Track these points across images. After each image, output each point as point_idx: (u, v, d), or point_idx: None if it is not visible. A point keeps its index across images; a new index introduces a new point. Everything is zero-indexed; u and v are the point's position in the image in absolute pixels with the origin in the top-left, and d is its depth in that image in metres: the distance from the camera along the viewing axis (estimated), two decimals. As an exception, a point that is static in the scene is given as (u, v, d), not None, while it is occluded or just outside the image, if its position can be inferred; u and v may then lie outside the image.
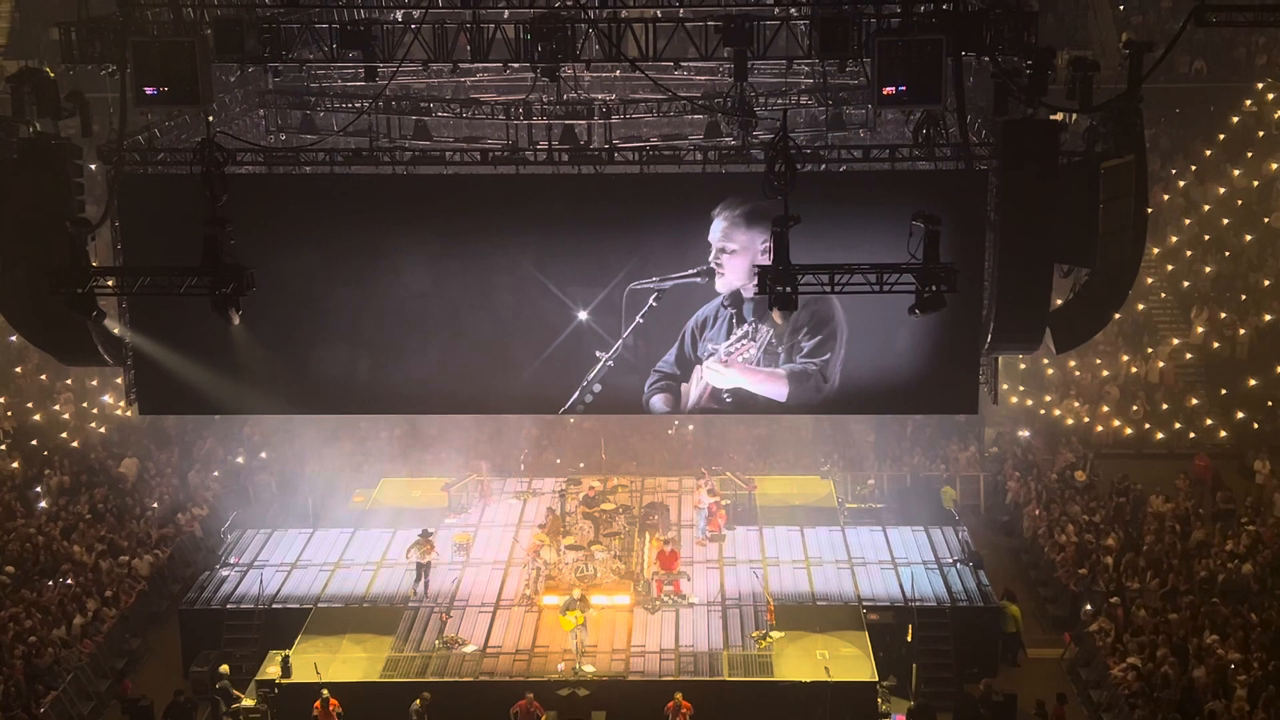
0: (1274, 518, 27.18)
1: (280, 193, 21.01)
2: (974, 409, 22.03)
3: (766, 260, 17.04)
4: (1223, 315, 34.45)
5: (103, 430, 32.58)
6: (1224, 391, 32.87)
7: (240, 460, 31.34)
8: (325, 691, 21.14)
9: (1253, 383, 32.61)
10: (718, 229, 20.37)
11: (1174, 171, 37.79)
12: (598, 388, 21.26)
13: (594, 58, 19.56)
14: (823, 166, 20.58)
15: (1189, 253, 36.24)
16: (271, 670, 22.06)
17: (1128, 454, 31.57)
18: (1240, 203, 36.73)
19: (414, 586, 24.50)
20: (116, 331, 21.02)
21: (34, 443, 31.68)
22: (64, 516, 28.06)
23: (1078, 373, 33.62)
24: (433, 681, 21.63)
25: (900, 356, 20.72)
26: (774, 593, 23.81)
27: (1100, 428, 32.19)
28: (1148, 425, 32.22)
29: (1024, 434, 31.71)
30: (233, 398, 21.69)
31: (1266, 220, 36.10)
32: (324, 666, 21.98)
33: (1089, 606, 24.52)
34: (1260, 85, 38.23)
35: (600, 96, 23.93)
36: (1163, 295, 35.53)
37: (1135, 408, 32.50)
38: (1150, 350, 34.04)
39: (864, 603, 23.94)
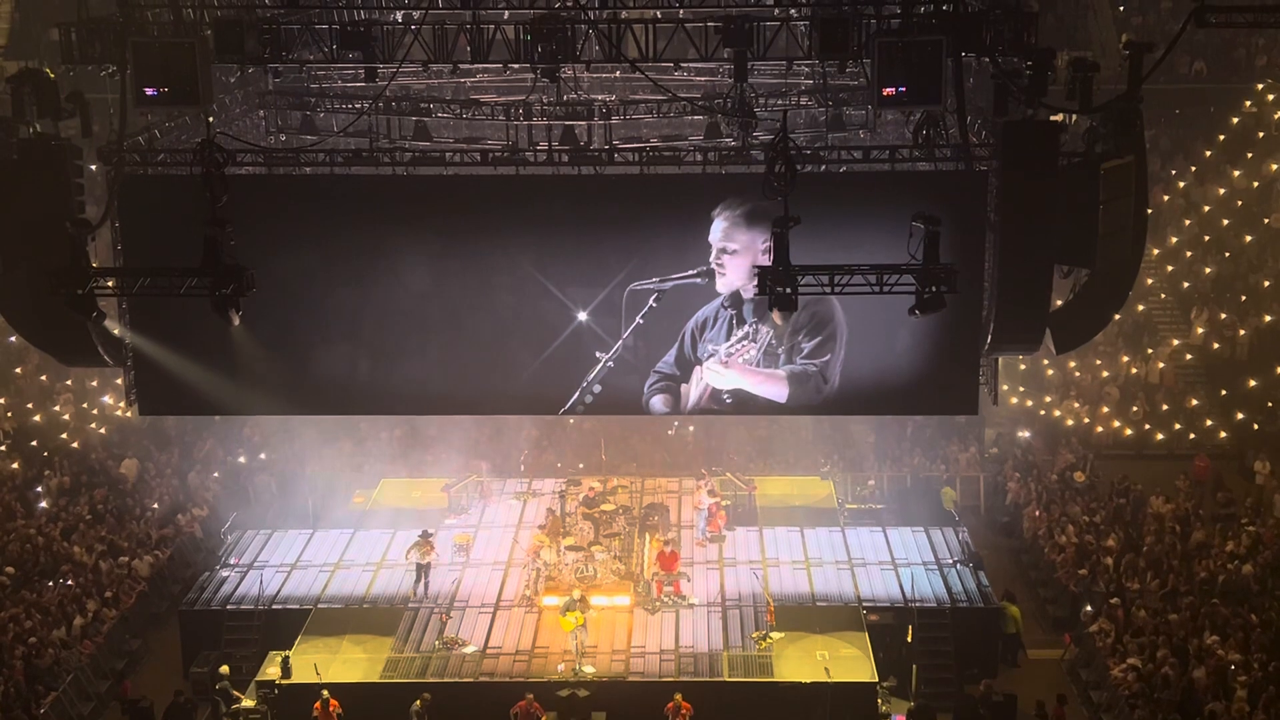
0: (1274, 518, 27.18)
1: (280, 193, 21.00)
2: (974, 410, 22.02)
3: (767, 260, 17.04)
4: (1223, 316, 34.46)
5: (103, 431, 32.58)
6: (1224, 392, 32.87)
7: (242, 460, 31.34)
8: (325, 692, 21.14)
9: (1253, 383, 32.61)
10: (718, 229, 20.36)
11: (1174, 172, 37.82)
12: (598, 388, 21.26)
13: (594, 59, 19.56)
14: (823, 167, 20.57)
15: (1189, 253, 36.25)
16: (271, 671, 22.06)
17: (1128, 455, 31.57)
18: (1240, 203, 36.75)
19: (414, 588, 24.50)
20: (116, 332, 21.01)
21: (34, 443, 31.68)
22: (64, 517, 28.07)
23: (1078, 373, 33.63)
24: (433, 682, 21.63)
25: (900, 357, 20.71)
26: (774, 593, 23.82)
27: (1100, 428, 32.19)
28: (1148, 426, 32.22)
29: (1024, 435, 31.72)
30: (233, 398, 21.68)
31: (1266, 221, 36.12)
32: (324, 667, 21.98)
33: (1089, 607, 24.52)
34: (1260, 86, 38.26)
35: (600, 97, 23.93)
36: (1163, 296, 35.55)
37: (1135, 408, 32.50)
38: (1150, 351, 34.05)
39: (864, 603, 23.94)
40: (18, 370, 34.40)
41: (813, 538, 26.62)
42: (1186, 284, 35.57)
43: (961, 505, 29.08)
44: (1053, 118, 19.37)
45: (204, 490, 30.10)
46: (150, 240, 20.30)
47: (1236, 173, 37.14)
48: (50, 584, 25.33)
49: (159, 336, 20.97)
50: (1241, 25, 18.09)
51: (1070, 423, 32.25)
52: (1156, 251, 35.22)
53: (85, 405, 33.45)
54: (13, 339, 32.04)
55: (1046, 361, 32.87)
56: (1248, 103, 38.32)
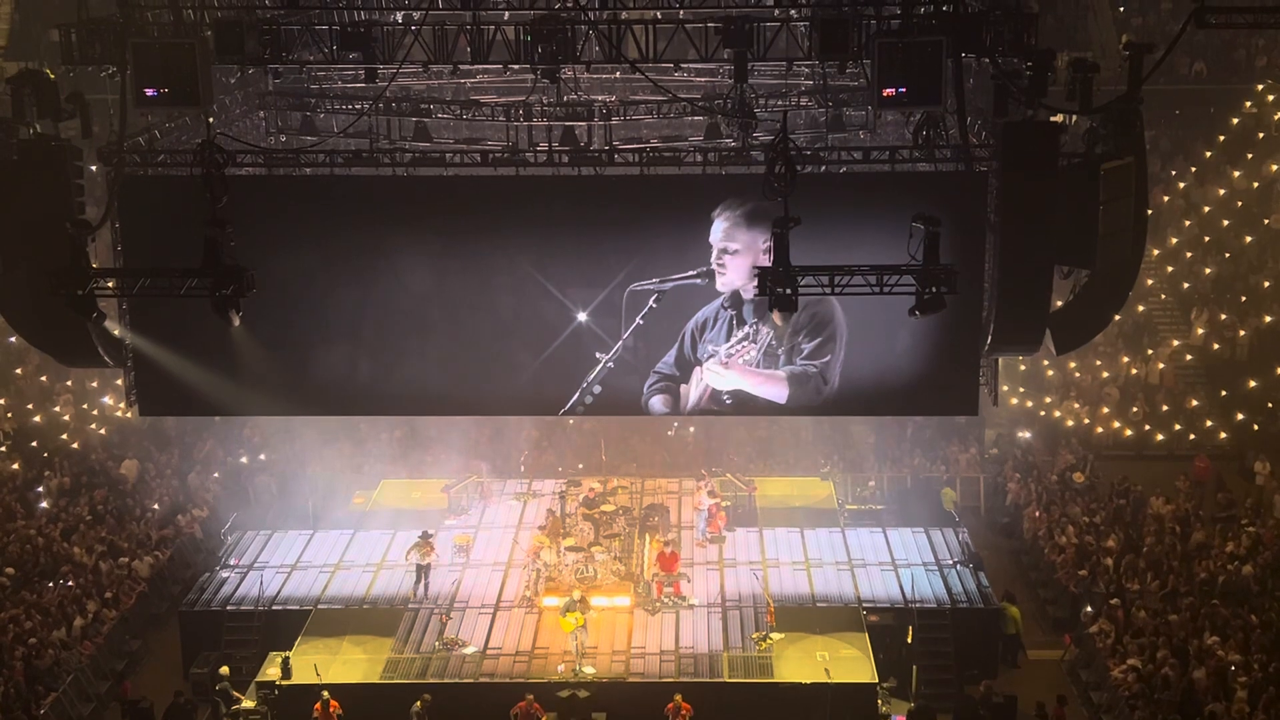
0: (1274, 519, 27.18)
1: (280, 194, 21.00)
2: (974, 410, 22.02)
3: (768, 261, 17.04)
4: (1223, 317, 34.45)
5: (103, 432, 32.57)
6: (1224, 393, 32.86)
7: (244, 460, 31.33)
8: (325, 693, 21.14)
9: (1253, 384, 32.60)
10: (719, 229, 20.36)
11: (1174, 173, 37.82)
12: (598, 389, 21.26)
13: (594, 59, 19.56)
14: (823, 168, 20.56)
15: (1189, 254, 36.25)
16: (271, 672, 22.06)
17: (1128, 455, 31.55)
18: (1240, 204, 36.75)
19: (414, 588, 24.49)
20: (116, 333, 21.01)
21: (34, 444, 31.68)
22: (64, 518, 28.07)
23: (1078, 374, 33.62)
24: (433, 683, 21.63)
25: (900, 358, 20.71)
26: (774, 594, 23.81)
27: (1100, 429, 32.18)
28: (1148, 427, 32.21)
29: (1024, 435, 31.71)
30: (233, 399, 21.68)
31: (1266, 222, 36.12)
32: (324, 668, 21.97)
33: (1089, 608, 24.52)
34: (1260, 87, 38.26)
35: (600, 98, 23.92)
36: (1163, 297, 35.55)
37: (1135, 409, 32.50)
38: (1150, 352, 34.04)
39: (864, 604, 23.94)
40: (18, 371, 34.40)
41: (813, 538, 26.61)
42: (1186, 285, 35.57)
43: (961, 506, 29.08)
44: (1053, 118, 19.37)
45: (204, 491, 30.10)
46: (150, 241, 20.30)
47: (1236, 173, 37.15)
48: (50, 585, 25.34)
49: (159, 337, 20.97)
50: (1241, 26, 18.09)
51: (1070, 423, 32.24)
52: (1156, 252, 35.22)
53: (85, 406, 33.45)
54: (13, 339, 32.03)
55: (1046, 362, 32.87)
56: (1248, 103, 38.32)
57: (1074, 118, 20.36)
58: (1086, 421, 32.32)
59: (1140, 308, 34.59)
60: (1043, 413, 32.68)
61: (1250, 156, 37.35)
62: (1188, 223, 36.81)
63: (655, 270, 20.66)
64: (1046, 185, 18.70)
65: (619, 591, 23.83)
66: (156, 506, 29.04)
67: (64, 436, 32.27)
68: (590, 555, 24.06)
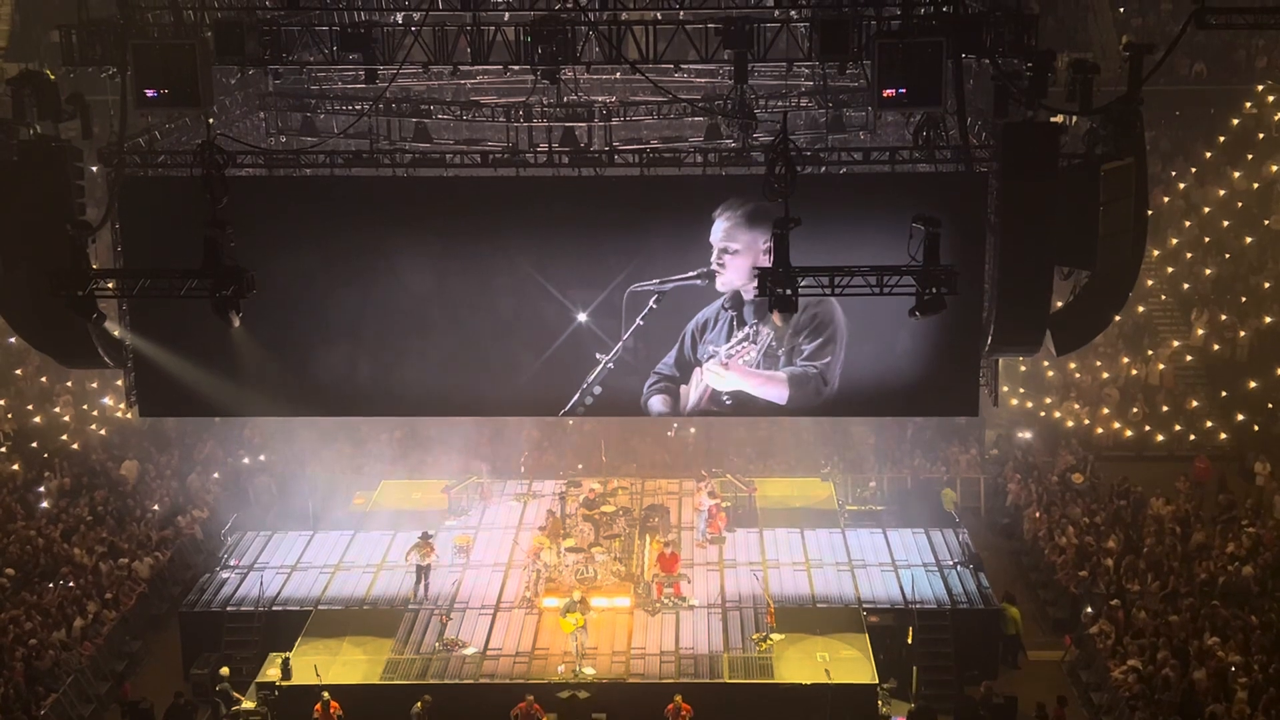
0: (1274, 520, 27.17)
1: (280, 195, 20.99)
2: (974, 411, 22.01)
3: (768, 261, 17.04)
4: (1223, 317, 34.45)
5: (103, 432, 32.57)
6: (1224, 394, 32.86)
7: (246, 461, 31.33)
8: (325, 694, 21.14)
9: (1253, 385, 32.60)
10: (720, 229, 20.35)
11: (1174, 174, 37.81)
12: (598, 390, 21.26)
13: (594, 60, 19.55)
14: (823, 169, 20.56)
15: (1189, 255, 36.25)
16: (272, 672, 22.07)
17: (1128, 456, 31.55)
18: (1240, 205, 36.74)
19: (414, 589, 24.49)
20: (117, 334, 21.00)
21: (34, 445, 31.69)
22: (64, 519, 28.07)
23: (1078, 375, 33.62)
24: (433, 684, 21.64)
25: (901, 359, 20.71)
26: (774, 595, 23.81)
27: (1100, 430, 32.18)
28: (1148, 427, 32.21)
29: (1024, 436, 31.70)
30: (233, 400, 21.66)
31: (1266, 223, 36.13)
32: (324, 669, 21.98)
33: (1089, 609, 24.50)
34: (1260, 88, 38.25)
35: (600, 99, 23.92)
36: (1163, 297, 35.55)
37: (1135, 410, 32.50)
38: (1150, 352, 34.04)
39: (864, 605, 23.94)
40: (18, 372, 34.40)
41: (813, 539, 26.61)
42: (1187, 285, 35.57)
43: (962, 507, 29.07)
44: (1053, 119, 19.36)
45: (204, 492, 30.10)
46: (150, 242, 20.29)
47: (1237, 174, 37.14)
48: (50, 586, 25.34)
49: (159, 338, 20.96)
50: (1242, 27, 18.09)
51: (1070, 424, 32.24)
52: (1156, 253, 35.22)
53: (85, 407, 33.45)
54: (13, 340, 32.03)
55: (1047, 363, 32.86)
56: (1248, 104, 38.32)
57: (1074, 118, 20.37)
58: (1087, 422, 32.32)
59: (1140, 308, 34.59)
60: (1043, 413, 32.68)
61: (1250, 157, 37.35)
62: (1188, 223, 36.81)
63: (655, 271, 20.65)
64: (1047, 186, 18.70)
65: (619, 592, 23.83)
66: (156, 507, 29.05)
67: (64, 437, 32.27)
68: (590, 556, 24.06)
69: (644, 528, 25.88)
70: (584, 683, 21.73)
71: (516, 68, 20.31)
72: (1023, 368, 33.21)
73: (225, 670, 22.51)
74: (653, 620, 23.52)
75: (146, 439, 32.03)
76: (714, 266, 20.49)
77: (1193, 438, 31.88)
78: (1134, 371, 33.78)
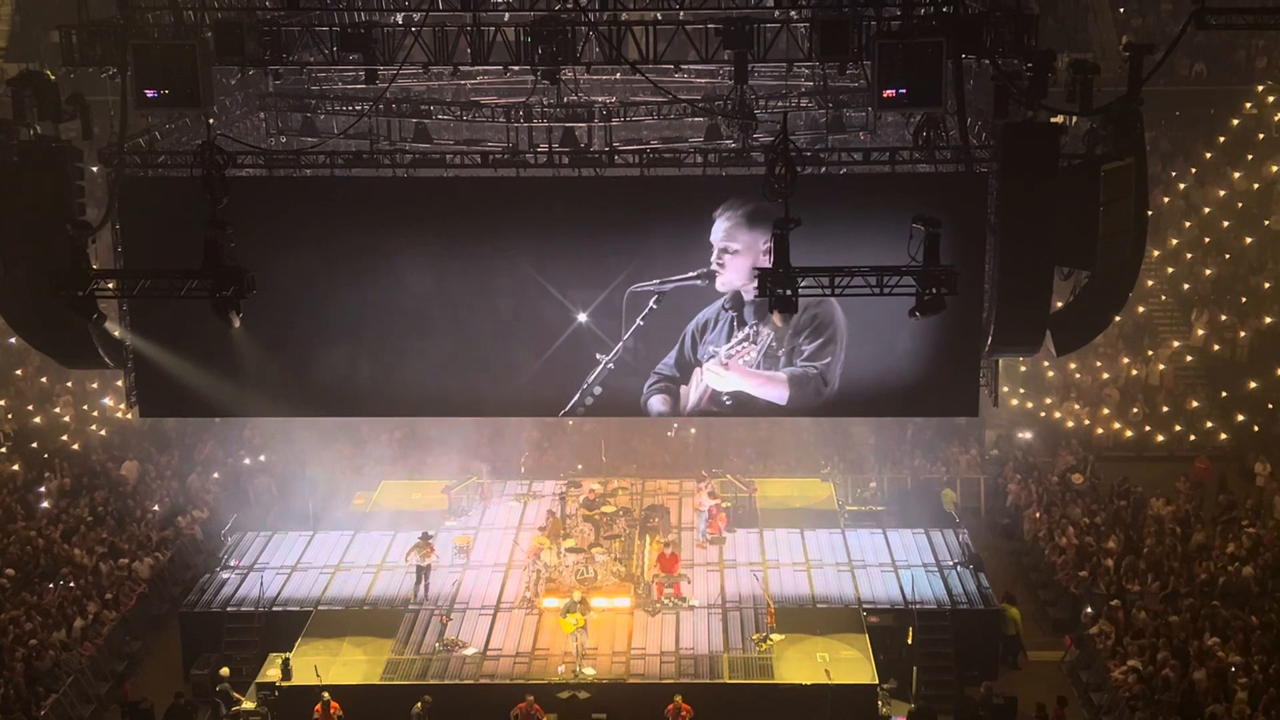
0: (1274, 520, 27.17)
1: (280, 195, 21.00)
2: (974, 411, 22.01)
3: (768, 261, 17.04)
4: (1223, 318, 34.45)
5: (103, 433, 32.58)
6: (1224, 394, 32.86)
7: (247, 462, 31.33)
8: (326, 694, 21.14)
9: (1253, 385, 32.60)
10: (720, 228, 20.35)
11: (1174, 174, 37.82)
12: (598, 390, 21.26)
13: (594, 60, 19.55)
14: (823, 169, 20.56)
15: (1189, 255, 36.25)
16: (272, 673, 22.06)
17: (1128, 456, 31.55)
18: (1240, 205, 36.75)
19: (414, 589, 24.48)
20: (117, 334, 21.01)
21: (34, 445, 31.69)
22: (64, 519, 28.07)
23: (1078, 375, 33.62)
24: (433, 684, 21.64)
25: (901, 359, 20.71)
26: (774, 595, 23.80)
27: (1100, 430, 32.18)
28: (1148, 428, 32.21)
29: (1024, 436, 31.70)
30: (233, 400, 21.67)
31: (1266, 223, 36.13)
32: (324, 669, 21.98)
33: (1089, 609, 24.50)
34: (1260, 88, 38.26)
35: (601, 99, 23.92)
36: (1163, 298, 35.55)
37: (1135, 410, 32.50)
38: (1150, 353, 34.04)
39: (864, 605, 23.94)
40: (18, 372, 34.40)
41: (813, 539, 26.61)
42: (1187, 286, 35.57)
43: (962, 507, 29.07)
44: (1053, 120, 19.37)
45: (204, 492, 30.10)
46: (151, 242, 20.29)
47: (1237, 175, 37.14)
48: (50, 586, 25.34)
49: (159, 338, 20.97)
50: (1242, 27, 18.10)
51: (1070, 424, 32.24)
52: (1157, 253, 35.22)
53: (85, 407, 33.45)
54: (13, 340, 32.04)
55: (1047, 363, 32.86)
56: (1248, 105, 38.33)
57: (1074, 119, 20.35)
58: (1087, 423, 32.32)
59: (1140, 309, 34.59)
60: (1043, 414, 32.68)
61: (1250, 158, 37.35)
62: (1188, 224, 36.81)
63: (655, 271, 20.66)
64: (1047, 187, 18.70)
65: (619, 593, 23.83)
66: (157, 508, 29.05)
67: (64, 438, 32.27)
68: (590, 556, 24.06)
69: (644, 528, 25.88)
70: (584, 683, 21.72)
71: (516, 68, 20.29)
72: (1023, 368, 33.22)
73: (225, 671, 22.51)
74: (653, 621, 23.52)
75: (146, 439, 32.03)
76: (714, 266, 20.49)
77: (1193, 438, 31.89)
78: (1134, 372, 33.78)
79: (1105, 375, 33.58)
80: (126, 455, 31.23)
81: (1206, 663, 21.78)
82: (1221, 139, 38.21)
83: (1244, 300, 34.73)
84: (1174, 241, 36.48)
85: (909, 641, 23.17)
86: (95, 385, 33.68)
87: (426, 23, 19.13)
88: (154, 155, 20.54)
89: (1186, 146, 38.47)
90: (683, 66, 19.93)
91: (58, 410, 33.36)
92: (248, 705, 21.73)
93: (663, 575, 24.17)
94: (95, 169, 21.39)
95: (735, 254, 20.38)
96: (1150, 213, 21.68)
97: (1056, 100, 18.77)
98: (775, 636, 22.71)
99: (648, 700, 21.28)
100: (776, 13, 19.48)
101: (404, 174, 21.27)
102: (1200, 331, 34.31)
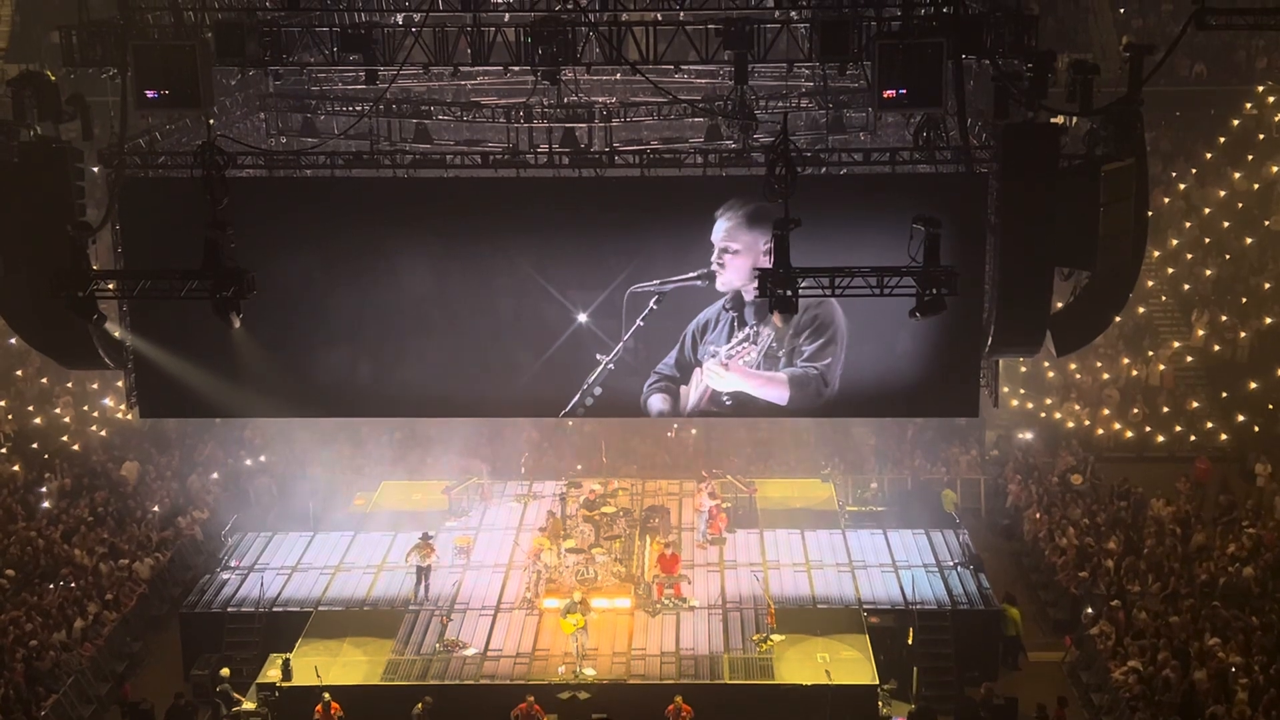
0: (1274, 520, 27.16)
1: (281, 196, 21.01)
2: (975, 412, 22.01)
3: (769, 262, 17.04)
4: (1223, 318, 34.45)
5: (103, 433, 32.57)
6: (1224, 394, 32.85)
7: (247, 463, 31.33)
8: (326, 695, 21.13)
9: (1253, 386, 32.59)
10: (721, 228, 20.34)
11: (1174, 174, 37.82)
12: (598, 391, 21.25)
13: (594, 61, 19.55)
14: (823, 169, 20.56)
15: (1189, 256, 36.24)
16: (272, 673, 22.06)
17: (1128, 457, 31.53)
18: (1240, 206, 36.75)
19: (415, 590, 24.48)
20: (117, 334, 21.01)
21: (34, 446, 31.69)
22: (64, 520, 28.07)
23: (1078, 376, 33.61)
24: (433, 685, 21.64)
25: (901, 360, 20.71)
26: (774, 596, 23.80)
27: (1101, 431, 32.17)
28: (1148, 428, 32.20)
29: (1025, 437, 31.69)
30: (233, 401, 21.66)
31: (1267, 223, 36.13)
32: (324, 670, 21.97)
33: (1090, 610, 24.50)
34: (1260, 89, 38.28)
35: (601, 100, 23.93)
36: (1163, 298, 35.54)
37: (1136, 411, 32.49)
38: (1151, 353, 34.03)
39: (865, 606, 23.94)
40: (18, 373, 34.40)
41: (813, 540, 26.61)
42: (1187, 286, 35.56)
43: (962, 507, 29.07)
44: (1053, 120, 19.37)
45: (204, 493, 30.10)
46: (151, 243, 20.29)
47: (1237, 175, 37.14)
48: (51, 586, 25.34)
49: (159, 339, 20.96)
50: (1242, 28, 18.11)
51: (1071, 425, 32.23)
52: (1157, 254, 35.21)
53: (86, 408, 33.45)
54: (13, 341, 32.01)
55: (1047, 364, 32.85)
56: (1248, 105, 38.33)
57: (1074, 119, 20.34)
58: (1087, 423, 32.31)
59: (1141, 309, 34.58)
60: (1043, 414, 32.66)
61: (1250, 158, 37.36)
62: (1188, 224, 36.81)
63: (655, 272, 20.65)
64: (1047, 187, 18.71)
65: (619, 593, 23.83)
66: (157, 508, 29.04)
67: (64, 438, 32.27)
68: (591, 557, 24.05)
69: (644, 529, 25.88)
70: (584, 683, 21.72)
71: (517, 69, 20.27)
72: (1023, 369, 33.21)
73: (226, 671, 22.51)
74: (653, 621, 23.52)
75: (147, 440, 32.03)
76: (714, 266, 20.49)
77: (1193, 439, 31.87)
78: (1134, 372, 33.77)
79: (1105, 376, 33.56)
80: (127, 456, 31.23)
81: (1207, 663, 21.77)
82: (1222, 139, 38.21)
83: (1244, 301, 34.72)
84: (1174, 242, 36.48)
85: (909, 642, 23.17)
86: (95, 386, 33.68)
87: (427, 23, 19.14)
88: (154, 156, 20.54)
89: (1187, 147, 38.47)
90: (683, 67, 19.93)
91: (58, 411, 33.36)
92: (248, 706, 21.73)
93: (663, 576, 24.17)
94: (95, 170, 21.39)
95: (735, 254, 20.38)
96: (1150, 213, 21.67)
97: (1057, 101, 18.76)
98: (776, 637, 22.70)
99: (648, 701, 21.27)
100: (776, 13, 19.46)
101: (404, 174, 21.26)
102: (1200, 332, 34.31)
